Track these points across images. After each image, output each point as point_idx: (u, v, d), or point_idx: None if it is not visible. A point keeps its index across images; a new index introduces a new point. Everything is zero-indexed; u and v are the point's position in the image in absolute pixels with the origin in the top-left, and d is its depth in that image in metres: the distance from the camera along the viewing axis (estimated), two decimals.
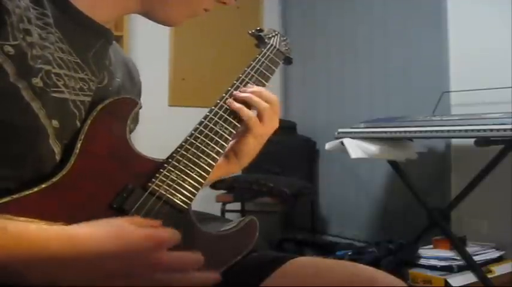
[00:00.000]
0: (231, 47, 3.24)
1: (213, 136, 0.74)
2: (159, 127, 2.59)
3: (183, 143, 0.72)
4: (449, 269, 2.05)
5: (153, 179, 0.66)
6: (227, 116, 0.77)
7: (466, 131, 1.95)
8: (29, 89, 0.59)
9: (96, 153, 0.65)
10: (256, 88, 0.82)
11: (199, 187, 0.69)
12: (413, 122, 2.20)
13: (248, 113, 0.79)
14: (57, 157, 0.63)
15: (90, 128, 0.66)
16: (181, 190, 0.67)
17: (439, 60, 2.63)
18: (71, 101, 0.65)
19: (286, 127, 3.20)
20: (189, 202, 0.67)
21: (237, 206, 2.93)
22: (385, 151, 2.26)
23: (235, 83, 0.82)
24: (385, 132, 2.21)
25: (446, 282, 1.98)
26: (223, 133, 0.75)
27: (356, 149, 2.18)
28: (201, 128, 0.75)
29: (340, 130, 2.34)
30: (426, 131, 2.07)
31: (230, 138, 0.76)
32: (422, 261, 2.15)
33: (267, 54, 0.89)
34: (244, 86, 0.82)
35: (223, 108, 0.78)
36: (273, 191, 2.73)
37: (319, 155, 3.37)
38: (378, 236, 2.73)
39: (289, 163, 3.14)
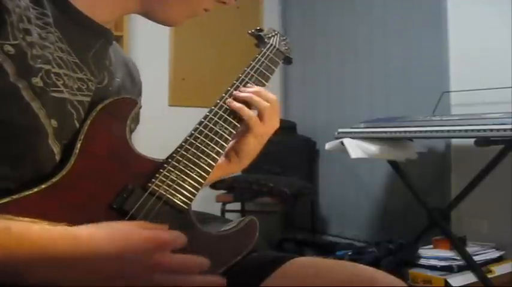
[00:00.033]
0: (231, 47, 3.24)
1: (213, 136, 0.74)
2: (159, 127, 2.58)
3: (183, 143, 0.72)
4: (449, 269, 2.05)
5: (153, 180, 0.66)
6: (227, 116, 0.77)
7: (466, 131, 1.95)
8: (29, 88, 0.59)
9: (96, 153, 0.65)
10: (256, 88, 0.82)
11: (199, 187, 0.69)
12: (413, 122, 2.20)
13: (249, 113, 0.79)
14: (57, 157, 0.63)
15: (90, 128, 0.66)
16: (181, 190, 0.67)
17: (439, 60, 2.63)
18: (69, 101, 0.65)
19: (286, 127, 3.20)
20: (189, 202, 0.67)
21: (237, 206, 2.93)
22: (385, 151, 2.26)
23: (235, 83, 0.82)
24: (385, 132, 2.21)
25: (446, 282, 1.98)
26: (223, 133, 0.75)
27: (356, 149, 2.18)
28: (201, 128, 0.74)
29: (340, 130, 2.34)
30: (426, 131, 2.07)
31: (230, 138, 0.76)
32: (422, 261, 2.15)
33: (266, 54, 0.89)
34: (244, 86, 0.82)
35: (223, 108, 0.78)
36: (273, 191, 2.73)
37: (319, 155, 3.37)
38: (378, 236, 2.73)
39: (289, 163, 3.14)
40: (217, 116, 0.77)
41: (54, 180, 0.60)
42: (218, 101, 0.79)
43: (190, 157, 0.71)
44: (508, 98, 2.20)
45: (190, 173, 0.69)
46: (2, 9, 0.58)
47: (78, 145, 0.64)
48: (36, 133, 0.61)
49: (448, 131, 2.01)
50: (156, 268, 0.55)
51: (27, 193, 0.57)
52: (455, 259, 2.10)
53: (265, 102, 0.80)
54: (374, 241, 2.47)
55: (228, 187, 2.78)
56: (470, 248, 2.19)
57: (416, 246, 2.24)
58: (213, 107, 0.78)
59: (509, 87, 2.21)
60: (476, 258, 2.11)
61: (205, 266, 0.58)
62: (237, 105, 0.78)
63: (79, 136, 0.65)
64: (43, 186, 0.59)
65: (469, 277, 2.04)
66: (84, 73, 0.69)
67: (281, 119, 0.85)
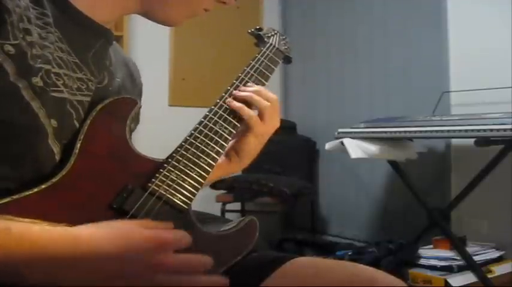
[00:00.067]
0: (231, 47, 3.24)
1: (213, 136, 0.74)
2: (159, 127, 2.58)
3: (183, 143, 0.72)
4: (449, 269, 2.05)
5: (153, 179, 0.66)
6: (227, 116, 0.77)
7: (466, 131, 1.95)
8: (29, 88, 0.59)
9: (95, 153, 0.65)
10: (256, 87, 0.82)
11: (199, 186, 0.69)
12: (413, 122, 2.20)
13: (249, 112, 0.79)
14: (57, 157, 0.63)
15: (90, 128, 0.66)
16: (181, 190, 0.67)
17: (439, 60, 2.63)
18: (69, 100, 0.65)
19: (286, 127, 3.20)
20: (189, 202, 0.67)
21: (237, 206, 2.93)
22: (385, 151, 2.26)
23: (234, 83, 0.82)
24: (385, 132, 2.21)
25: (446, 282, 1.98)
26: (223, 133, 0.75)
27: (356, 149, 2.18)
28: (200, 127, 0.74)
29: (340, 130, 2.34)
30: (426, 131, 2.07)
31: (230, 138, 0.76)
32: (422, 261, 2.15)
33: (266, 54, 0.89)
34: (244, 85, 0.82)
35: (223, 108, 0.78)
36: (273, 191, 2.73)
37: (319, 155, 3.37)
38: (378, 236, 2.73)
39: (289, 163, 3.14)
40: (217, 115, 0.77)
41: (54, 180, 0.60)
42: (218, 100, 0.79)
43: (190, 156, 0.70)
44: (508, 98, 2.20)
45: (190, 173, 0.69)
46: (2, 9, 0.58)
47: (78, 145, 0.64)
48: (36, 133, 0.61)
49: (448, 131, 2.01)
50: (157, 268, 0.54)
51: (27, 193, 0.57)
52: (455, 259, 2.10)
53: (265, 101, 0.80)
54: (374, 241, 2.47)
55: (228, 187, 2.78)
56: (470, 248, 2.19)
57: (416, 246, 2.24)
58: (213, 107, 0.78)
59: (509, 87, 2.21)
60: (476, 258, 2.11)
61: (208, 265, 0.58)
62: (237, 104, 0.78)
63: (79, 136, 0.65)
64: (43, 186, 0.59)
65: (469, 277, 2.04)
66: (84, 73, 0.69)
67: (281, 119, 0.85)
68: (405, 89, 2.85)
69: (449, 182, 2.54)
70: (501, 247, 2.27)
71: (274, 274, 0.72)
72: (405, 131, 2.16)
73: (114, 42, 0.79)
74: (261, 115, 0.80)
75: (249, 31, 0.97)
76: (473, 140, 1.87)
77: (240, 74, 0.83)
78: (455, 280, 1.99)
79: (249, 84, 0.82)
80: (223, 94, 0.80)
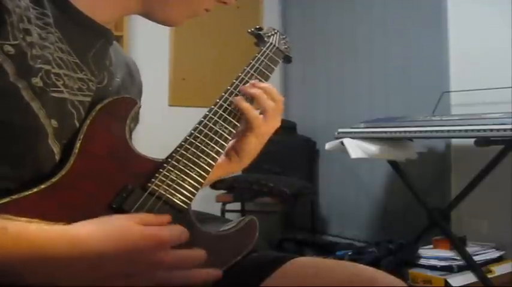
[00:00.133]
0: (231, 47, 3.24)
1: (213, 136, 0.74)
2: (159, 127, 2.59)
3: (183, 143, 0.72)
4: (449, 269, 2.05)
5: (153, 179, 0.66)
6: (227, 116, 0.77)
7: (466, 131, 1.95)
8: (29, 88, 0.59)
9: (95, 153, 0.65)
10: (265, 84, 0.81)
11: (199, 186, 0.69)
12: (413, 122, 2.20)
13: (255, 114, 0.79)
14: (57, 157, 0.63)
15: (89, 128, 0.66)
16: (181, 189, 0.67)
17: (439, 60, 2.63)
18: (69, 101, 0.65)
19: (286, 127, 3.20)
20: (188, 201, 0.67)
21: (237, 206, 2.93)
22: (385, 151, 2.26)
23: (234, 82, 0.82)
24: (385, 132, 2.21)
25: (446, 282, 1.98)
26: (223, 133, 0.75)
27: (356, 149, 2.18)
28: (200, 127, 0.74)
29: (340, 130, 2.34)
30: (426, 131, 2.07)
31: (230, 138, 0.76)
32: (422, 261, 2.15)
33: (266, 53, 0.89)
34: (244, 85, 0.82)
35: (223, 108, 0.78)
36: (273, 191, 2.73)
37: (319, 155, 3.37)
38: (378, 236, 2.73)
39: (289, 163, 3.14)
40: (217, 115, 0.76)
41: (53, 180, 0.60)
42: (218, 100, 0.79)
43: (190, 156, 0.70)
44: (508, 98, 2.20)
45: (190, 173, 0.69)
46: (2, 9, 0.58)
47: (78, 145, 0.64)
48: (36, 133, 0.61)
49: (448, 131, 2.01)
50: (158, 266, 0.55)
51: (26, 193, 0.57)
52: (455, 259, 2.10)
53: (271, 101, 0.80)
54: (374, 241, 2.48)
55: (228, 186, 2.78)
56: (470, 248, 2.19)
57: (416, 246, 2.24)
58: (213, 107, 0.78)
59: (509, 87, 2.21)
60: (476, 258, 2.12)
61: (203, 258, 0.58)
62: (244, 105, 0.78)
63: (78, 136, 0.65)
64: (42, 186, 0.59)
65: (469, 277, 2.04)
66: (85, 73, 0.69)
67: (281, 119, 0.85)
68: (405, 89, 2.85)
69: (449, 182, 2.55)
70: (501, 247, 2.27)
71: (274, 274, 0.72)
72: (405, 131, 2.16)
73: (114, 42, 0.79)
74: (264, 114, 0.80)
75: (249, 31, 0.97)
76: (473, 140, 1.87)
77: (240, 74, 0.83)
78: (455, 280, 2.00)
79: (256, 80, 0.82)
80: (223, 94, 0.80)
